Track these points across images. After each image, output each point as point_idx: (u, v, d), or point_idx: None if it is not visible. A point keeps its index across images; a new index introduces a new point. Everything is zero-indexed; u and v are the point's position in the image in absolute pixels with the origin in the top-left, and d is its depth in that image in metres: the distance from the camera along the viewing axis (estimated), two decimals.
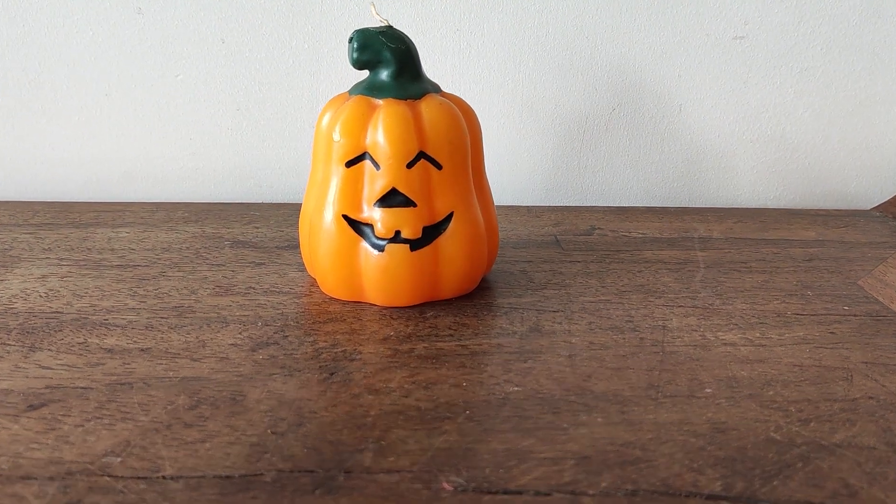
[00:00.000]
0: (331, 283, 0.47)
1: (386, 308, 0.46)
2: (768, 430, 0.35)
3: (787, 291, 0.50)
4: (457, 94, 0.65)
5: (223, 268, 0.51)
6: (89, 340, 0.42)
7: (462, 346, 0.42)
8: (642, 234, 0.59)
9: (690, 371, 0.40)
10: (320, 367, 0.39)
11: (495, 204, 0.53)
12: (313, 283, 0.49)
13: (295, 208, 0.63)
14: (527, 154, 0.68)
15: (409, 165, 0.44)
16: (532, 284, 0.50)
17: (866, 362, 0.41)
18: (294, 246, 0.55)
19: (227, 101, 0.65)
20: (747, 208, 0.66)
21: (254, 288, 0.48)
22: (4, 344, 0.41)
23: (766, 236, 0.59)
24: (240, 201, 0.67)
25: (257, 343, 0.42)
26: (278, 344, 0.42)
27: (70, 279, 0.49)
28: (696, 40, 0.65)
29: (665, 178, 0.69)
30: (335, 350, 0.41)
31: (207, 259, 0.53)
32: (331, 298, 0.47)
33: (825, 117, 0.67)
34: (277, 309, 0.46)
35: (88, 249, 0.54)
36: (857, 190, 0.69)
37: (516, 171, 0.68)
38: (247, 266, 0.52)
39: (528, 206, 0.65)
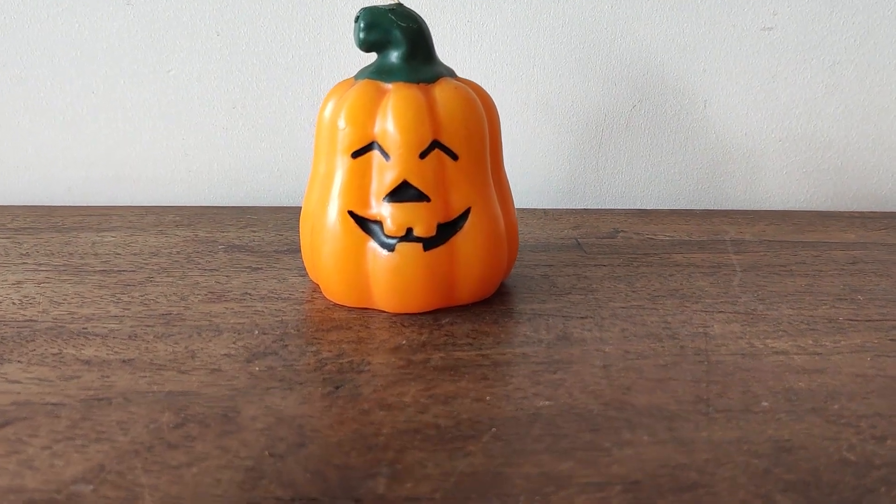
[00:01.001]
0: (335, 288, 0.42)
1: (396, 315, 0.42)
2: (840, 450, 0.30)
3: (835, 296, 0.45)
4: None
5: (217, 273, 0.47)
6: (65, 351, 0.37)
7: (483, 355, 0.37)
8: (669, 236, 0.55)
9: (742, 382, 0.35)
10: (324, 379, 0.35)
11: None
12: (315, 288, 0.44)
13: (295, 212, 0.58)
14: (542, 153, 0.64)
15: (422, 155, 0.40)
16: (555, 289, 0.45)
17: None
18: (294, 250, 0.50)
19: (223, 99, 0.61)
20: (777, 210, 0.62)
21: (250, 294, 0.44)
22: None
23: (803, 239, 0.55)
24: (235, 205, 0.63)
25: (253, 353, 0.37)
26: (277, 354, 0.37)
27: (48, 285, 0.45)
28: (721, 32, 0.61)
29: (689, 178, 0.65)
30: (341, 361, 0.37)
31: (199, 264, 0.48)
32: (335, 305, 0.43)
33: (858, 114, 0.63)
34: (276, 316, 0.41)
35: (70, 254, 0.49)
36: (894, 192, 0.65)
37: (531, 172, 0.64)
38: (242, 271, 0.47)
39: (544, 209, 0.61)
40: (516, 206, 0.60)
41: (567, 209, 0.61)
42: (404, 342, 0.39)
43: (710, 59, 0.62)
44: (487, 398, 0.34)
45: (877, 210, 0.64)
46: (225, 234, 0.54)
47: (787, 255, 0.52)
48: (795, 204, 0.65)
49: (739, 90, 0.63)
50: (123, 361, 0.36)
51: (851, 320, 0.42)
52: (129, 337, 0.39)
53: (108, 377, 0.35)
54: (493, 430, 0.31)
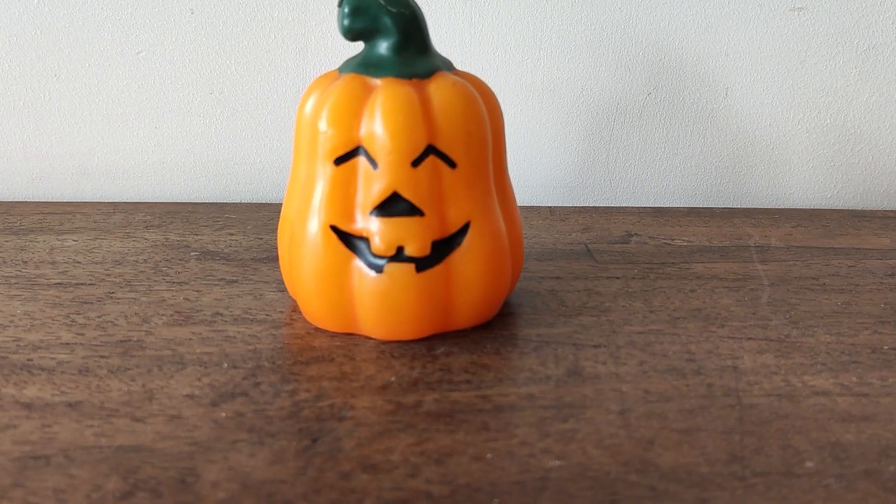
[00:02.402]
0: (316, 311, 0.37)
1: (385, 343, 0.37)
2: None
3: (876, 318, 0.41)
4: None
5: (186, 287, 0.42)
6: (3, 391, 0.33)
7: (483, 397, 0.33)
8: (688, 241, 0.50)
9: (781, 434, 0.31)
10: (300, 429, 0.30)
11: None
12: (295, 307, 0.40)
13: (277, 210, 0.53)
14: (549, 146, 0.58)
15: (415, 163, 0.35)
16: (564, 309, 0.41)
17: None
18: (274, 258, 0.46)
19: (199, 84, 0.56)
20: (803, 209, 0.57)
21: (221, 314, 0.39)
22: None
23: (834, 244, 0.50)
24: (212, 201, 0.58)
25: (220, 394, 0.32)
26: (247, 395, 0.32)
27: None
28: (747, 12, 0.55)
29: (707, 173, 0.59)
30: (320, 404, 0.32)
31: (168, 276, 0.43)
32: (316, 329, 0.38)
33: (894, 104, 0.58)
34: (249, 344, 0.36)
35: (24, 263, 0.44)
36: None
37: (536, 166, 0.59)
38: (215, 284, 0.42)
39: (550, 207, 0.56)
40: (520, 203, 0.55)
41: (575, 207, 0.56)
42: (393, 379, 0.34)
43: (733, 43, 0.56)
44: (488, 455, 0.29)
45: None
46: (199, 237, 0.49)
47: (819, 265, 0.47)
48: (823, 201, 0.60)
49: (764, 76, 0.57)
50: (70, 405, 0.31)
51: None
52: (80, 371, 0.34)
53: (49, 426, 0.30)
54: (496, 500, 0.27)
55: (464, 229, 0.36)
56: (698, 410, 0.32)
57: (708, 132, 0.58)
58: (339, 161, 0.35)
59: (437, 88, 0.35)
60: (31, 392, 0.32)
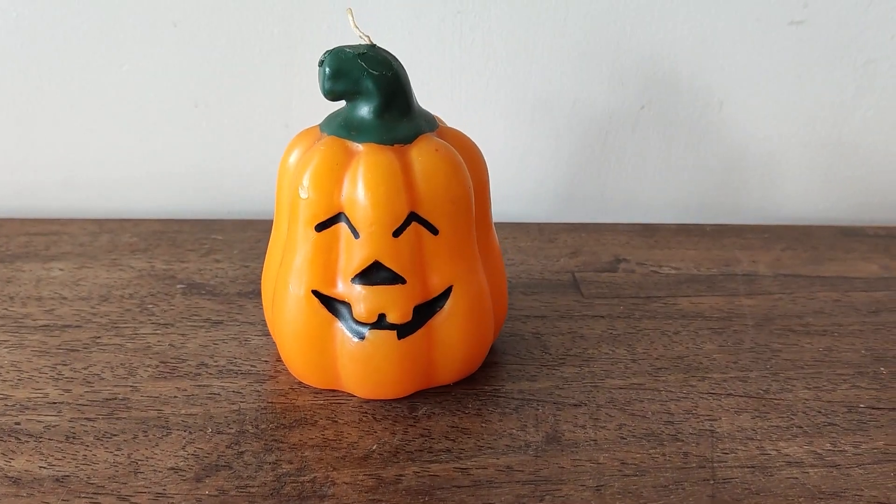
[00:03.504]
0: (299, 369, 0.38)
1: (367, 402, 0.37)
2: None
3: (854, 367, 0.41)
4: (457, 89, 0.55)
5: (171, 330, 0.42)
6: None
7: (462, 470, 0.33)
8: (676, 269, 0.50)
9: None
10: None
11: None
12: (279, 356, 0.40)
13: (263, 228, 0.53)
14: (539, 159, 0.58)
15: (396, 233, 0.34)
16: (547, 357, 0.41)
17: None
18: (258, 292, 0.46)
19: (183, 97, 0.55)
20: (794, 226, 0.57)
21: (206, 365, 0.39)
22: None
23: (822, 272, 0.50)
24: (199, 217, 0.57)
25: (204, 466, 0.33)
26: (230, 468, 0.33)
27: None
28: (744, 25, 0.54)
29: (700, 188, 0.59)
30: (302, 479, 0.33)
31: (153, 315, 0.43)
32: (300, 384, 0.38)
33: (891, 118, 0.57)
34: (233, 403, 0.37)
35: (11, 299, 0.45)
36: None
37: (526, 179, 0.58)
38: (200, 326, 0.43)
39: (539, 224, 0.56)
40: (509, 220, 0.55)
41: (564, 224, 0.56)
42: (374, 447, 0.34)
43: (730, 56, 0.55)
44: None
45: None
46: (185, 265, 0.49)
47: (804, 300, 0.47)
48: (815, 213, 0.60)
49: (760, 90, 0.56)
50: (57, 480, 0.32)
51: (873, 409, 0.38)
52: (67, 437, 0.34)
53: None
54: None
55: (446, 293, 0.36)
56: (673, 487, 0.33)
57: (701, 146, 0.58)
58: (321, 227, 0.35)
59: (420, 155, 0.35)
60: (19, 464, 0.33)
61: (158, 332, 0.42)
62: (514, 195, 0.58)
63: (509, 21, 0.54)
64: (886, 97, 0.56)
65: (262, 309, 0.44)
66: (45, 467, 0.33)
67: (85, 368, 0.39)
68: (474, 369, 0.39)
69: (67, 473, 0.33)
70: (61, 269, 0.48)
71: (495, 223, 0.40)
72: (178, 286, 0.46)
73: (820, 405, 0.38)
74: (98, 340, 0.41)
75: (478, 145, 0.38)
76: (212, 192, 0.57)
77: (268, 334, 0.42)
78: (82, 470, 0.33)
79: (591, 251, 0.52)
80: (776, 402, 0.38)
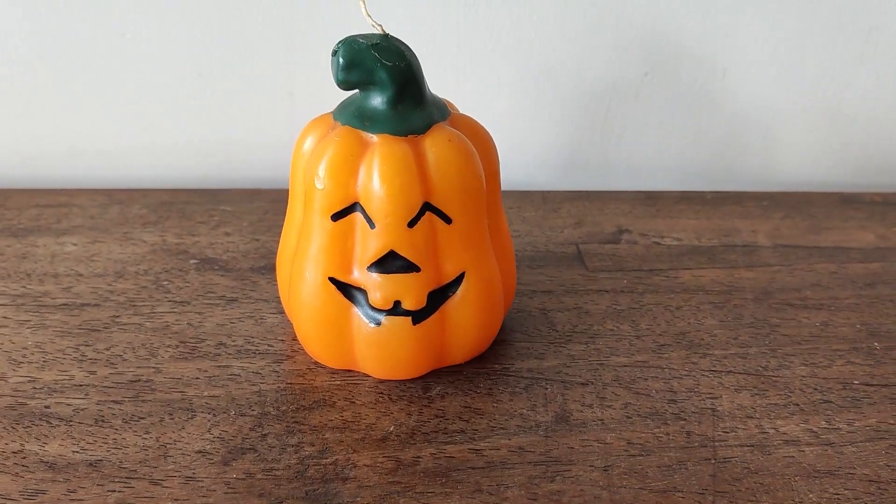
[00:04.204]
0: (316, 350, 0.39)
1: (383, 382, 0.39)
2: None
3: (850, 342, 0.43)
4: (463, 58, 0.55)
5: (188, 308, 0.43)
6: (27, 447, 0.35)
7: (476, 451, 0.35)
8: (677, 239, 0.51)
9: (749, 492, 0.33)
10: (307, 492, 0.33)
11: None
12: (295, 335, 0.41)
13: (271, 198, 0.54)
14: (544, 126, 0.58)
15: (412, 224, 0.35)
16: (555, 334, 0.42)
17: None
18: (270, 268, 0.47)
19: (187, 66, 0.54)
20: (793, 192, 0.58)
21: (224, 345, 0.41)
22: None
23: (820, 242, 0.51)
24: (206, 185, 0.58)
25: (230, 449, 0.35)
26: (255, 451, 0.35)
27: (6, 330, 0.41)
28: None
29: (702, 154, 0.60)
30: (324, 461, 0.34)
31: (169, 292, 0.44)
32: (316, 364, 0.40)
33: (891, 85, 0.57)
34: (253, 385, 0.38)
35: (28, 276, 0.45)
36: None
37: (531, 146, 0.59)
38: (216, 304, 0.44)
39: (543, 192, 0.56)
40: (514, 188, 0.56)
41: (568, 192, 0.56)
42: (392, 428, 0.36)
43: (733, 23, 0.55)
44: None
45: None
46: (196, 238, 0.49)
47: (802, 272, 0.48)
48: (812, 179, 0.61)
49: (764, 57, 0.56)
50: (90, 465, 0.34)
51: (867, 385, 0.40)
52: (96, 421, 0.36)
53: (73, 491, 0.32)
54: None
55: (458, 278, 0.37)
56: (676, 467, 0.35)
57: (704, 113, 0.58)
58: (336, 217, 0.36)
59: (433, 145, 0.35)
60: (52, 448, 0.34)
61: (176, 310, 0.43)
62: (519, 163, 0.59)
63: None
64: (888, 63, 0.57)
65: (274, 285, 0.45)
66: (78, 452, 0.34)
67: (107, 349, 0.40)
68: (485, 348, 0.40)
69: (100, 458, 0.34)
70: (74, 245, 0.48)
71: (502, 192, 0.40)
72: (192, 261, 0.47)
73: (816, 382, 0.40)
74: (117, 320, 0.42)
75: (488, 130, 0.39)
76: (217, 158, 0.58)
77: (282, 312, 0.43)
78: (114, 454, 0.34)
79: (594, 221, 0.53)
80: (774, 379, 0.40)
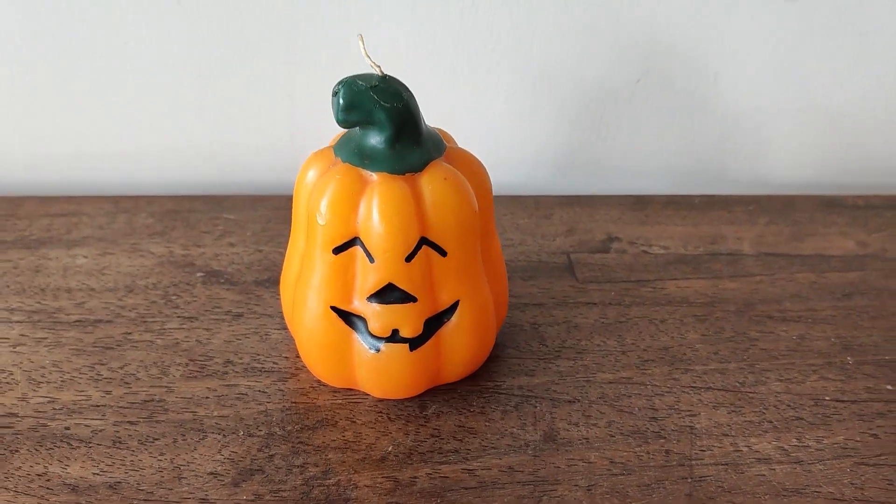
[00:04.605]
0: (319, 371, 0.41)
1: (381, 402, 0.41)
2: None
3: (824, 356, 0.45)
4: (458, 64, 0.56)
5: (196, 324, 0.45)
6: (50, 469, 0.37)
7: (469, 471, 0.38)
8: (664, 248, 0.53)
9: None
10: None
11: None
12: (297, 353, 0.43)
13: (273, 205, 0.55)
14: (537, 129, 0.59)
15: (409, 258, 0.37)
16: (544, 350, 0.45)
17: None
18: (273, 281, 0.49)
19: (187, 71, 0.56)
20: (778, 196, 0.59)
21: (232, 363, 0.43)
22: None
23: (801, 249, 0.53)
24: (209, 190, 0.59)
25: (240, 470, 0.37)
26: (263, 472, 0.37)
27: (25, 348, 0.44)
28: None
29: (693, 156, 0.61)
30: (327, 482, 0.37)
31: (178, 307, 0.47)
32: (318, 382, 0.42)
33: (885, 85, 0.59)
34: (260, 404, 0.41)
35: (42, 291, 0.47)
36: None
37: (524, 148, 0.60)
38: (223, 319, 0.46)
39: (535, 198, 0.58)
40: (506, 192, 0.57)
41: (560, 197, 0.58)
42: (390, 448, 0.39)
43: (726, 27, 0.56)
44: None
45: (881, 193, 0.61)
46: (202, 249, 0.51)
47: (783, 282, 0.50)
48: (799, 180, 0.62)
49: (755, 61, 0.57)
50: (110, 487, 0.36)
51: (837, 401, 0.42)
52: (114, 442, 0.38)
53: None
54: None
55: (453, 307, 0.39)
56: (654, 486, 0.37)
57: (695, 116, 0.59)
58: (338, 251, 0.38)
59: (430, 183, 0.37)
60: (74, 470, 0.37)
61: (185, 326, 0.45)
62: (513, 164, 0.60)
63: None
64: (880, 65, 0.58)
65: (277, 299, 0.47)
66: (98, 474, 0.37)
67: (121, 368, 0.42)
68: (476, 368, 0.43)
69: (119, 480, 0.37)
70: (85, 257, 0.50)
71: (495, 196, 0.42)
72: (198, 274, 0.49)
73: (790, 398, 0.42)
74: (129, 337, 0.44)
75: (482, 162, 0.40)
76: (219, 161, 0.59)
77: (285, 328, 0.45)
78: (132, 476, 0.37)
79: (585, 228, 0.55)
80: (750, 395, 0.42)
